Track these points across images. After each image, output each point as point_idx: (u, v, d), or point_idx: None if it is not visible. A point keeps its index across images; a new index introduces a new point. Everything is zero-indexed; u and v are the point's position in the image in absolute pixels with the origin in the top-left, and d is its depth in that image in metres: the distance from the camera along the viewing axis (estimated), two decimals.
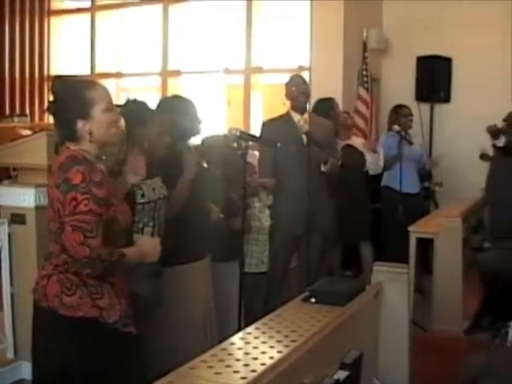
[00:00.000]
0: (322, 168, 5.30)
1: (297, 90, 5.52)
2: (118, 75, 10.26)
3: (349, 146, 6.59)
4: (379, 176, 7.09)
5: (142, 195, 3.55)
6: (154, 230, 3.63)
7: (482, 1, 8.10)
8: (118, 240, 2.95)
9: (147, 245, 3.09)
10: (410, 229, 5.88)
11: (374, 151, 6.79)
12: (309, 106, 5.94)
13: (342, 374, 2.79)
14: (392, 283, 3.59)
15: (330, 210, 5.70)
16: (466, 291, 5.70)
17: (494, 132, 6.54)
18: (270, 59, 8.81)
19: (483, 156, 7.10)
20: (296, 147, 5.26)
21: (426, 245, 6.07)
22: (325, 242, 5.73)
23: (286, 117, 5.56)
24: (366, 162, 6.70)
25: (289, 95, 5.55)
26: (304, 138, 5.37)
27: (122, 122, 3.25)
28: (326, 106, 6.35)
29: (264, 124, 5.76)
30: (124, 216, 2.99)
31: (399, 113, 7.02)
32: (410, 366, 3.71)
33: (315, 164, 5.27)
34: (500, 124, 6.71)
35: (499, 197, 6.82)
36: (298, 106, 5.53)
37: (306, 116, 5.50)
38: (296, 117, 5.49)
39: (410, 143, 6.67)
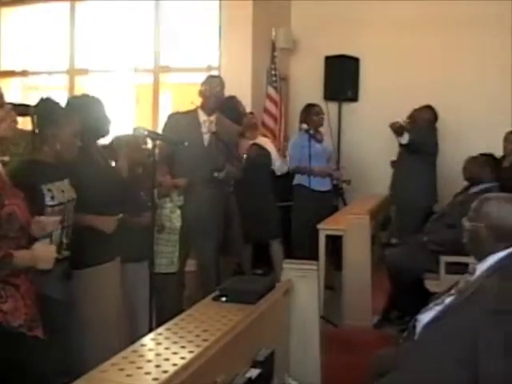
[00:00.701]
0: (215, 174, 5.29)
1: (210, 90, 5.47)
2: (24, 73, 9.97)
3: (255, 145, 6.60)
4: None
5: (52, 197, 3.46)
6: (63, 232, 3.54)
7: (390, 1, 8.29)
8: (19, 237, 2.87)
9: (41, 251, 2.99)
10: (319, 226, 5.95)
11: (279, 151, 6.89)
12: None
13: (253, 372, 2.80)
14: (302, 280, 3.63)
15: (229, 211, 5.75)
16: (374, 287, 5.80)
17: (398, 129, 6.66)
18: (179, 58, 8.75)
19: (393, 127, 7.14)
20: (195, 146, 5.20)
21: (335, 242, 6.15)
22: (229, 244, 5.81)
23: (192, 114, 5.50)
24: (271, 162, 6.72)
25: (201, 93, 5.50)
26: (206, 138, 5.37)
27: (17, 120, 3.13)
28: (229, 104, 6.26)
29: (169, 116, 5.70)
30: (23, 213, 2.90)
31: (310, 111, 7.05)
32: (321, 362, 3.75)
33: (213, 166, 5.28)
34: (403, 121, 6.86)
35: (405, 194, 6.99)
36: (207, 106, 5.48)
37: (212, 118, 5.46)
38: (202, 116, 5.45)
39: (318, 141, 6.71)
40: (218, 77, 5.99)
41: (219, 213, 5.47)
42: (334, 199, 7.60)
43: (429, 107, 7.29)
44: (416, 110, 7.29)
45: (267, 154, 6.69)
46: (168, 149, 5.12)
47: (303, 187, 6.72)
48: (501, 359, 2.68)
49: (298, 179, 6.89)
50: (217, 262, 5.56)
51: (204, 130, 5.39)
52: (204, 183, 5.25)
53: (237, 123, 6.00)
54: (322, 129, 7.24)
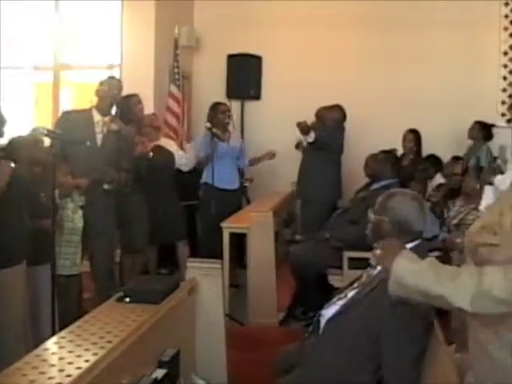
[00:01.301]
0: (105, 186, 5.25)
1: (107, 91, 5.39)
2: None
3: (158, 146, 6.54)
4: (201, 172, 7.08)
5: None
6: None
7: (292, 1, 8.38)
8: None
9: None
10: (223, 224, 5.94)
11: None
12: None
13: (159, 373, 2.78)
14: (206, 279, 3.62)
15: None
16: (279, 283, 5.85)
17: (304, 129, 6.73)
18: (80, 56, 8.58)
19: (299, 145, 7.26)
20: (88, 146, 5.11)
21: (240, 240, 6.17)
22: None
23: (87, 113, 5.40)
24: (175, 163, 6.68)
25: (98, 93, 5.41)
26: (99, 138, 5.30)
27: None
28: (124, 104, 6.14)
29: (63, 113, 5.59)
30: None
31: (217, 110, 7.04)
32: (228, 360, 3.76)
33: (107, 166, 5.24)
34: (310, 120, 6.94)
35: (310, 191, 7.08)
36: (102, 106, 5.40)
37: (107, 119, 5.38)
38: (97, 116, 5.36)
39: (223, 140, 6.70)
40: (117, 79, 5.88)
41: (113, 212, 5.43)
42: (242, 198, 7.63)
43: (338, 106, 7.40)
44: (325, 109, 7.38)
45: (170, 155, 6.64)
46: (68, 149, 5.02)
47: (209, 186, 6.71)
48: (403, 349, 2.76)
49: (205, 177, 6.87)
50: (112, 262, 5.50)
51: (97, 129, 5.31)
52: (98, 183, 5.17)
53: (132, 123, 5.94)
54: (231, 128, 7.25)
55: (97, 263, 5.43)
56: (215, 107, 7.03)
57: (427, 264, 2.09)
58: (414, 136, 7.64)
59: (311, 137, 6.73)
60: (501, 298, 1.88)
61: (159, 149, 6.40)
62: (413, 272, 2.08)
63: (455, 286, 1.94)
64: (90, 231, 5.16)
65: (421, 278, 2.06)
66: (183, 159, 6.75)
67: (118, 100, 5.53)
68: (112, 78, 5.80)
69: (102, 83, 5.46)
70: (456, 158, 7.38)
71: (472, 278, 1.93)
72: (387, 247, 2.33)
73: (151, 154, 6.08)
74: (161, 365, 2.85)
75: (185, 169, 6.78)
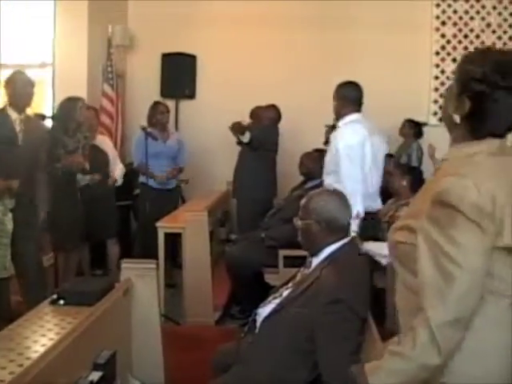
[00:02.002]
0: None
1: (22, 88, 5.25)
2: None
3: (93, 146, 6.46)
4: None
5: None
6: None
7: (226, 1, 8.39)
8: None
9: None
10: (158, 224, 5.91)
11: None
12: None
13: (95, 375, 2.75)
14: (141, 279, 3.60)
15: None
16: (215, 283, 5.86)
17: (238, 129, 6.73)
18: (12, 54, 8.40)
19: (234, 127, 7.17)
20: (7, 145, 5.02)
21: (175, 239, 6.15)
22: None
23: (2, 113, 5.27)
24: (109, 162, 6.61)
25: (11, 91, 5.25)
26: (20, 137, 5.19)
27: None
28: (68, 105, 6.04)
29: None
30: None
31: (156, 110, 7.01)
32: (164, 360, 3.75)
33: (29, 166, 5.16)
34: (245, 121, 6.94)
35: (245, 190, 7.08)
36: (18, 104, 5.27)
37: (23, 116, 5.28)
38: (13, 114, 5.24)
39: (155, 139, 6.63)
40: (25, 73, 5.70)
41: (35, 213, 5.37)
42: (179, 197, 7.60)
43: (273, 106, 7.44)
44: (260, 108, 7.40)
45: (104, 156, 6.57)
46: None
47: (146, 186, 6.68)
48: (338, 346, 2.80)
49: (142, 177, 6.83)
50: (40, 264, 5.42)
51: (18, 128, 5.20)
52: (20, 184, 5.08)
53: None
54: (171, 128, 7.24)
55: (24, 266, 5.30)
56: (155, 107, 7.02)
57: (388, 357, 2.09)
58: None
59: (246, 137, 6.74)
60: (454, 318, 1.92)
61: (94, 148, 6.33)
62: (387, 374, 2.07)
63: (416, 353, 1.96)
64: (17, 233, 5.06)
65: (395, 374, 2.05)
66: (117, 171, 6.72)
67: (30, 95, 5.36)
68: (18, 73, 5.58)
69: (11, 79, 5.31)
70: (387, 156, 7.50)
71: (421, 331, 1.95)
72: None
73: (87, 165, 5.99)
74: (96, 367, 2.82)
75: (117, 182, 6.75)
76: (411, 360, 1.92)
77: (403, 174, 5.85)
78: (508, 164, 2.04)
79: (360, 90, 5.07)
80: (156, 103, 7.11)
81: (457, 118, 2.05)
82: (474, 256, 1.89)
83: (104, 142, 6.79)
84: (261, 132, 6.96)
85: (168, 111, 7.13)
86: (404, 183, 5.75)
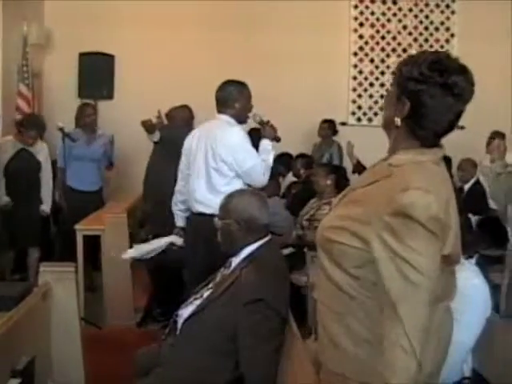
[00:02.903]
0: None
1: None
2: None
3: (23, 149, 6.33)
4: None
5: None
6: None
7: (144, 1, 8.33)
8: None
9: None
10: (77, 227, 5.83)
11: None
12: None
13: (13, 382, 2.70)
14: (59, 283, 3.55)
15: None
16: (135, 285, 5.82)
17: (149, 127, 6.63)
18: None
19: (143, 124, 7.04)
20: None
21: (96, 242, 6.07)
22: None
23: None
24: (41, 167, 6.50)
25: None
26: None
27: None
28: None
29: None
30: None
31: (83, 111, 6.94)
32: (85, 364, 3.70)
33: None
34: (155, 119, 6.85)
35: (158, 191, 6.99)
36: None
37: None
38: None
39: (73, 140, 6.53)
40: None
41: None
42: (102, 199, 7.51)
43: (185, 106, 7.40)
44: (174, 109, 7.37)
45: (35, 161, 6.45)
46: None
47: (69, 188, 6.60)
48: (259, 345, 2.83)
49: (68, 179, 6.73)
50: None
51: None
52: None
53: None
54: (99, 130, 7.18)
55: None
56: (81, 108, 6.95)
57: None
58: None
59: (156, 136, 6.66)
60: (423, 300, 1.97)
61: (24, 152, 6.22)
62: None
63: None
64: None
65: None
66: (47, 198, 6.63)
67: None
68: None
69: None
70: (302, 156, 7.61)
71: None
72: None
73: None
74: (14, 374, 2.76)
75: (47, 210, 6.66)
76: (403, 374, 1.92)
77: (327, 173, 5.91)
78: (445, 174, 2.15)
79: None
80: (83, 105, 7.05)
81: (398, 121, 2.10)
82: (434, 266, 1.94)
83: (42, 147, 6.64)
84: (171, 132, 6.89)
85: (95, 113, 7.06)
86: (328, 182, 5.81)
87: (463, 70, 2.09)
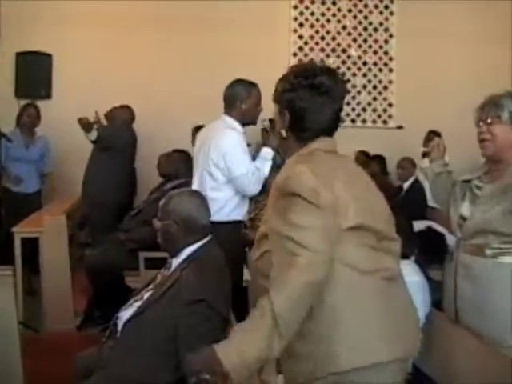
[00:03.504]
0: None
1: None
2: None
3: None
4: None
5: None
6: None
7: (82, 0, 8.23)
8: None
9: None
10: (14, 229, 5.73)
11: None
12: None
13: None
14: None
15: None
16: (75, 288, 5.75)
17: (85, 125, 6.54)
18: None
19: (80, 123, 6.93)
20: None
21: (33, 244, 5.97)
22: None
23: None
24: None
25: None
26: None
27: None
28: None
29: None
30: None
31: (24, 112, 6.87)
32: (24, 370, 3.63)
33: None
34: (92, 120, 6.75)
35: (96, 192, 6.89)
36: None
37: None
38: None
39: (9, 141, 6.43)
40: None
41: None
42: (39, 201, 7.39)
43: (126, 107, 7.36)
44: (114, 109, 7.30)
45: None
46: None
47: (6, 189, 6.50)
48: (201, 345, 2.81)
49: (4, 181, 6.62)
50: None
51: None
52: None
53: None
54: (39, 131, 7.14)
55: None
56: (24, 108, 6.90)
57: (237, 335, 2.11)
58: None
59: (93, 135, 6.57)
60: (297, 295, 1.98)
61: None
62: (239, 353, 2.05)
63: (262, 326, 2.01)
64: None
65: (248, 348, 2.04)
66: None
67: None
68: None
69: None
70: None
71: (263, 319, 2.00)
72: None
73: None
74: None
75: None
76: (258, 333, 1.99)
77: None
78: (341, 161, 2.25)
79: None
80: (25, 105, 6.97)
81: (283, 133, 2.27)
82: (316, 235, 1.98)
83: None
84: (109, 131, 6.83)
85: (37, 115, 6.98)
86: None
87: (327, 71, 2.25)
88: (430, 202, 7.09)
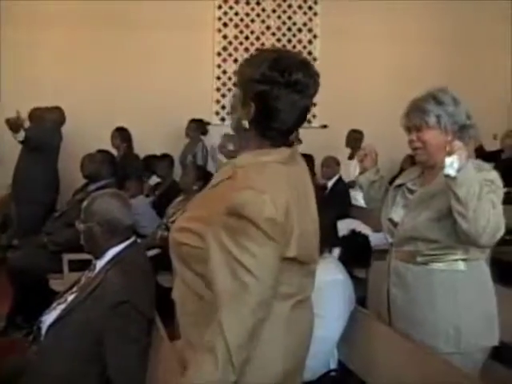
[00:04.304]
0: None
1: None
2: None
3: None
4: None
5: None
6: None
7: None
8: None
9: None
10: None
11: None
12: None
13: None
14: None
15: None
16: None
17: (13, 125, 6.42)
18: None
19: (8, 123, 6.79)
20: None
21: None
22: None
23: None
24: None
25: None
26: None
27: None
28: None
29: None
30: None
31: None
32: None
33: None
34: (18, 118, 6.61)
35: (24, 193, 6.80)
36: None
37: None
38: None
39: None
40: None
41: None
42: None
43: (57, 108, 7.26)
44: (40, 110, 7.18)
45: None
46: None
47: None
48: (126, 348, 2.79)
49: None
50: None
51: None
52: None
53: None
54: None
55: None
56: None
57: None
58: (121, 134, 7.76)
59: (21, 135, 6.47)
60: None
61: None
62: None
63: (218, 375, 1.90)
64: None
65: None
66: None
67: None
68: None
69: None
70: (165, 156, 7.60)
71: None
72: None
73: None
74: None
75: None
76: (212, 382, 1.89)
77: (195, 174, 5.86)
78: (296, 173, 2.12)
79: None
80: None
81: (245, 124, 2.08)
82: (268, 268, 1.93)
83: None
84: (38, 132, 6.74)
85: None
86: (194, 182, 5.76)
87: (303, 65, 2.07)
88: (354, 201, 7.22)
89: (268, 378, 2.03)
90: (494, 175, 2.72)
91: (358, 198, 7.22)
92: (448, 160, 2.47)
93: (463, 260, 2.76)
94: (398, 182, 3.07)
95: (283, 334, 2.06)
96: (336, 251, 3.62)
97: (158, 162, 7.55)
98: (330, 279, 2.96)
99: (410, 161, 6.56)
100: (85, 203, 3.21)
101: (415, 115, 2.81)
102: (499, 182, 2.71)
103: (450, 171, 2.46)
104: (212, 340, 1.90)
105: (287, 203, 1.96)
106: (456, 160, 2.45)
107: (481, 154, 5.49)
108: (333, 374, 3.13)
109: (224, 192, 2.01)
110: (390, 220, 2.98)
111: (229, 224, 1.92)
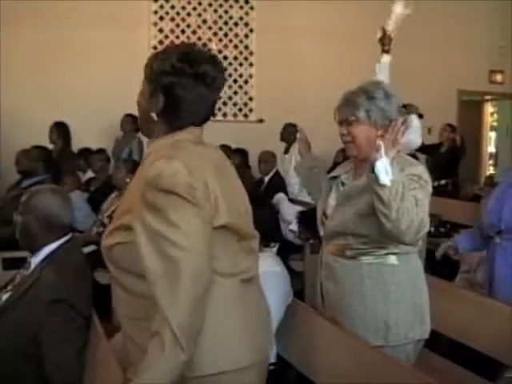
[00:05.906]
0: None
1: None
2: None
3: None
4: None
5: None
6: None
7: None
8: None
9: None
10: None
11: None
12: None
13: None
14: None
15: None
16: None
17: None
18: None
19: None
20: None
21: None
22: None
23: None
24: None
25: None
26: None
27: None
28: None
29: None
30: None
31: None
32: None
33: None
34: None
35: None
36: None
37: None
38: None
39: None
40: None
41: None
42: None
43: None
44: None
45: None
46: None
47: None
48: (63, 347, 2.76)
49: None
50: None
51: None
52: None
53: None
54: None
55: None
56: None
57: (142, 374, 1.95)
58: (57, 129, 7.66)
59: None
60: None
61: None
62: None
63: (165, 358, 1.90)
64: None
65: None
66: None
67: None
68: None
69: None
70: (99, 151, 7.53)
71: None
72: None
73: None
74: None
75: None
76: (162, 366, 1.88)
77: (128, 169, 5.80)
78: (210, 153, 2.16)
79: None
80: None
81: (154, 116, 2.10)
82: (196, 236, 1.92)
83: None
84: None
85: None
86: (128, 179, 5.70)
87: (212, 60, 2.12)
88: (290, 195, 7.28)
89: (230, 353, 2.04)
90: (421, 170, 2.73)
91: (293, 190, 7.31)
92: (380, 165, 2.45)
93: (394, 254, 2.78)
94: (332, 173, 3.07)
95: (235, 308, 2.08)
96: (275, 247, 3.63)
97: (92, 157, 7.47)
98: (267, 270, 2.97)
99: (342, 155, 6.64)
100: (25, 196, 3.13)
101: (346, 109, 2.80)
102: (426, 176, 2.71)
103: (385, 179, 2.45)
104: (156, 325, 1.89)
105: (203, 174, 1.98)
106: (386, 163, 2.44)
107: (419, 147, 5.61)
108: (272, 367, 3.15)
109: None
110: (324, 212, 2.99)
111: (148, 200, 1.93)
